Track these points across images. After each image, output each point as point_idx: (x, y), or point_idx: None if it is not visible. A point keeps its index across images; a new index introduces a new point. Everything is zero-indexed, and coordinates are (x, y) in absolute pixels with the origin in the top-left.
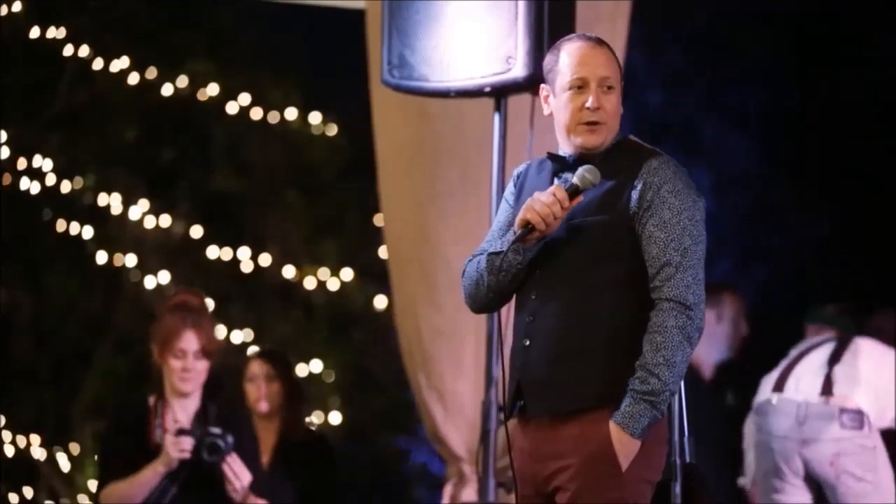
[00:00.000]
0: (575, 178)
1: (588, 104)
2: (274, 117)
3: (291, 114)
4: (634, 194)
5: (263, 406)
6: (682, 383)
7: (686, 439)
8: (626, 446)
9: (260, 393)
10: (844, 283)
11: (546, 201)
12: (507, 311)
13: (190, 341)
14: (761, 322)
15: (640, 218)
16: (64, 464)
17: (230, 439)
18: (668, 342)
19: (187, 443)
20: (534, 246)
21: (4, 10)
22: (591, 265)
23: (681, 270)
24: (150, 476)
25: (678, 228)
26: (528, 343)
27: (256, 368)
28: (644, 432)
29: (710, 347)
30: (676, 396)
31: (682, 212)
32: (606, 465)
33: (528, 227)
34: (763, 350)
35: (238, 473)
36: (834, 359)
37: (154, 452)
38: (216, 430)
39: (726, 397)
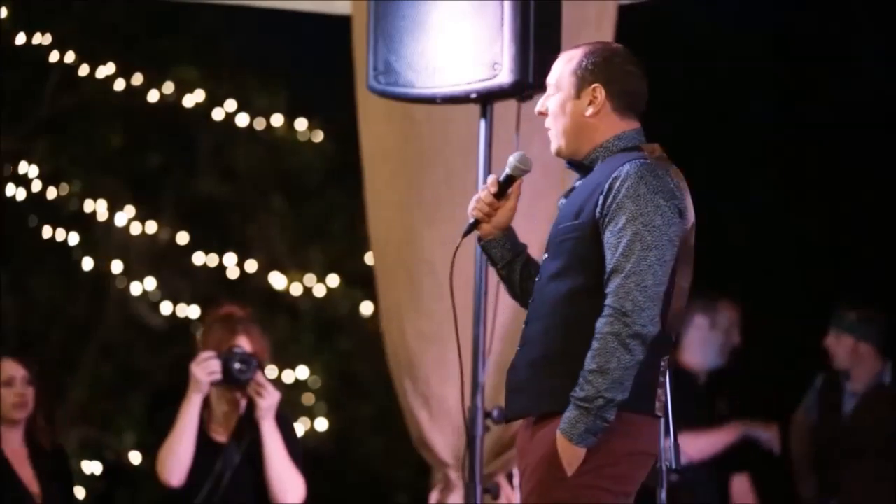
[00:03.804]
0: (507, 167)
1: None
2: (260, 123)
3: (277, 120)
4: (601, 199)
5: (21, 413)
6: (674, 388)
7: (671, 444)
8: (566, 451)
9: (20, 399)
10: (842, 286)
11: (478, 192)
12: (493, 318)
13: (244, 344)
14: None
15: (603, 224)
16: None
17: (254, 361)
18: (603, 349)
19: (215, 364)
20: (501, 245)
21: None
22: (566, 272)
23: (623, 276)
24: (190, 411)
25: (629, 233)
26: (519, 348)
27: (12, 371)
28: (584, 438)
29: (704, 353)
30: (664, 401)
31: (638, 217)
32: (552, 468)
33: (472, 221)
34: (756, 358)
35: (268, 388)
36: None
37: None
38: (239, 350)
39: (717, 404)
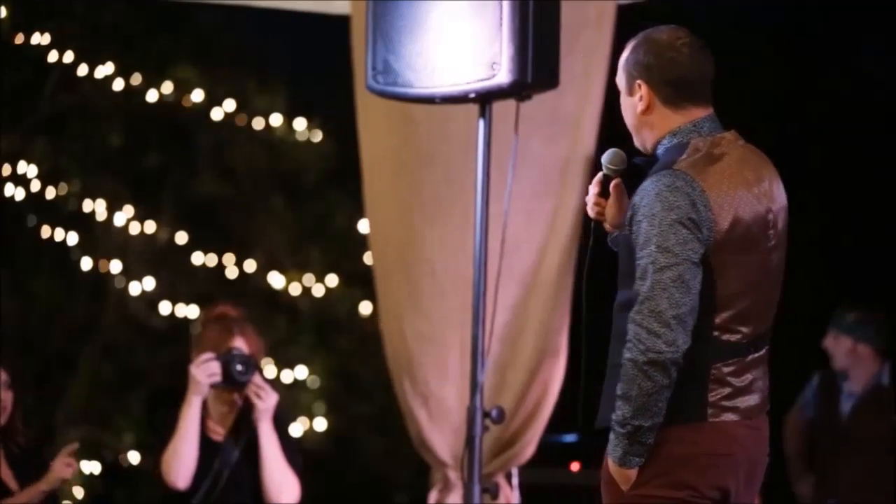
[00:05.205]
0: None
1: None
2: (259, 123)
3: (276, 120)
4: (630, 215)
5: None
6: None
7: None
8: (615, 472)
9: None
10: (837, 287)
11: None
12: (492, 318)
13: (241, 345)
14: None
15: (633, 241)
16: None
17: (253, 362)
18: (625, 375)
19: (215, 366)
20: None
21: None
22: (621, 283)
23: (639, 302)
24: (191, 413)
25: (645, 255)
26: None
27: None
28: (624, 461)
29: None
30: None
31: (652, 238)
32: (611, 484)
33: (594, 221)
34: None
35: (266, 389)
36: None
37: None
38: (238, 351)
39: None
